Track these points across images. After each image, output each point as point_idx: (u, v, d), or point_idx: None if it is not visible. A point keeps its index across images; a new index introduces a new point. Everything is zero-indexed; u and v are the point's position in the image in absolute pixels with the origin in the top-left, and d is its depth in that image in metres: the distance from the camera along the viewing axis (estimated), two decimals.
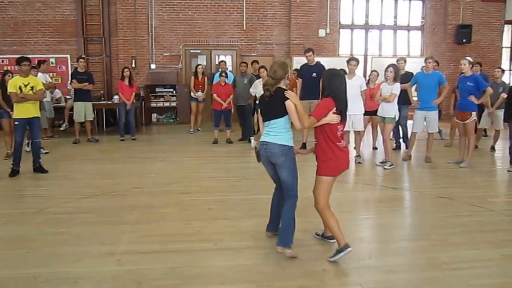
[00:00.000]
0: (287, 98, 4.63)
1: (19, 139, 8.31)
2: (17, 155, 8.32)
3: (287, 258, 4.68)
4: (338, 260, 4.59)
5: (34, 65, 10.68)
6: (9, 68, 8.47)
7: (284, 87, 4.79)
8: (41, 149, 10.48)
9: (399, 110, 9.81)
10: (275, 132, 4.79)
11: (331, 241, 5.05)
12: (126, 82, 12.31)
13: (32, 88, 8.33)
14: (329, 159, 4.70)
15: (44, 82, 11.96)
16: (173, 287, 4.12)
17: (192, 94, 13.83)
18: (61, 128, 13.59)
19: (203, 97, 13.73)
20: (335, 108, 4.61)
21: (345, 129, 9.37)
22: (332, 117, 4.60)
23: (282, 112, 4.71)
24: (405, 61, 10.47)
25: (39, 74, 12.17)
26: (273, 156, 4.80)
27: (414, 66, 12.46)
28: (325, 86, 4.76)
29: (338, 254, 4.61)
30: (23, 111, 8.28)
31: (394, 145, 10.91)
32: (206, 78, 13.89)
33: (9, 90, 8.27)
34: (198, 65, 13.99)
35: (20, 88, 8.21)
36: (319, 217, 4.91)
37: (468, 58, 9.09)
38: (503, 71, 10.99)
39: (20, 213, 6.19)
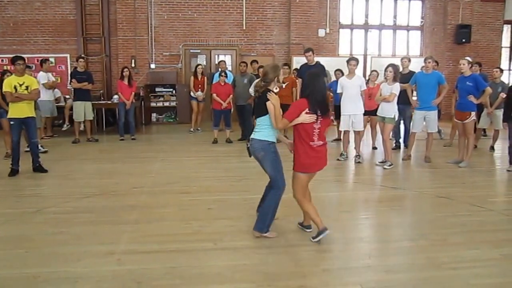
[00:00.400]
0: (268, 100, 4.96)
1: (16, 139, 8.32)
2: (16, 155, 8.33)
3: (287, 257, 4.70)
4: (319, 241, 4.99)
5: (29, 65, 10.67)
6: (9, 67, 8.45)
7: (273, 89, 5.12)
8: (41, 147, 10.54)
9: (403, 110, 9.84)
10: (259, 129, 5.16)
11: (308, 230, 5.42)
12: (126, 81, 12.31)
13: (27, 87, 8.33)
14: (299, 156, 5.03)
15: (46, 81, 12.04)
16: (173, 287, 4.11)
17: (192, 94, 13.84)
18: (63, 128, 13.58)
19: (202, 97, 13.74)
20: (307, 109, 4.88)
21: (344, 129, 9.49)
22: (304, 117, 4.88)
23: (265, 111, 5.04)
24: (409, 60, 10.49)
25: (41, 73, 12.21)
26: (255, 151, 5.19)
27: (413, 66, 12.44)
28: (305, 86, 5.08)
29: (318, 236, 5.00)
30: (18, 110, 8.28)
31: (394, 145, 10.91)
32: (205, 78, 13.89)
33: (4, 89, 8.28)
34: (198, 65, 14.00)
35: (15, 87, 8.22)
36: (319, 216, 4.98)
37: (467, 58, 9.10)
38: (501, 71, 10.98)
39: (19, 212, 6.19)
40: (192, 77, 13.83)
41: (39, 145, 10.51)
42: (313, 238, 5.06)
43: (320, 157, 5.06)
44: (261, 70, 10.88)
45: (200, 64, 14.14)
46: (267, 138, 5.12)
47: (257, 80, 11.05)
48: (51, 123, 12.99)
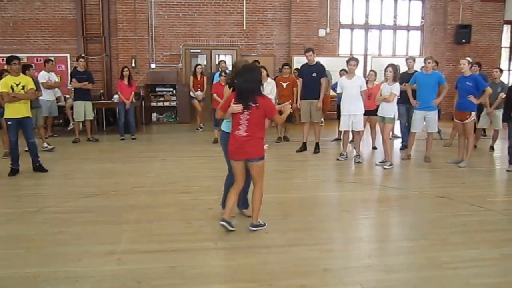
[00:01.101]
0: None
1: (14, 139, 8.32)
2: (15, 154, 8.33)
3: (287, 257, 4.70)
4: (222, 225, 5.29)
5: (30, 64, 10.72)
6: (8, 67, 8.48)
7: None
8: (47, 145, 10.56)
9: (409, 110, 9.85)
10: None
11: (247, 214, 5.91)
12: (125, 81, 12.33)
13: (23, 87, 8.33)
14: (228, 142, 5.41)
15: (45, 81, 12.04)
16: (173, 286, 4.11)
17: (191, 93, 13.87)
18: (69, 128, 13.62)
19: (202, 97, 13.76)
20: (234, 99, 5.20)
21: (344, 129, 9.52)
22: (232, 107, 5.18)
23: None
24: (414, 60, 10.49)
25: (42, 72, 12.22)
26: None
27: (414, 66, 12.48)
28: (235, 77, 5.46)
29: (222, 222, 5.32)
30: (15, 110, 8.28)
31: (401, 144, 10.95)
32: (205, 77, 13.91)
33: (1, 89, 8.23)
34: (198, 64, 14.04)
35: (11, 87, 8.22)
36: (318, 216, 4.96)
37: (468, 58, 9.11)
38: (501, 71, 10.99)
39: (20, 212, 6.19)
40: (191, 77, 13.87)
41: (45, 144, 10.60)
42: (220, 221, 5.34)
43: (241, 147, 5.23)
44: (261, 70, 10.98)
45: (200, 64, 14.18)
46: (223, 129, 5.73)
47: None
48: (52, 123, 12.99)
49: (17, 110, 8.28)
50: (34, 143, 8.66)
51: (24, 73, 8.96)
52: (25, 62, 12.96)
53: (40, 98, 10.64)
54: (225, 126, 5.65)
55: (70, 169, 8.91)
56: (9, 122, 8.33)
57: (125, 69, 12.42)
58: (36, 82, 10.72)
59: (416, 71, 10.16)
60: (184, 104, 15.48)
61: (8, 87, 8.19)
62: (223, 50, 16.48)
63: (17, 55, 8.89)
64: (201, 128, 14.00)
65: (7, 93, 8.18)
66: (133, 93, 12.55)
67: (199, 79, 13.70)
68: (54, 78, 12.68)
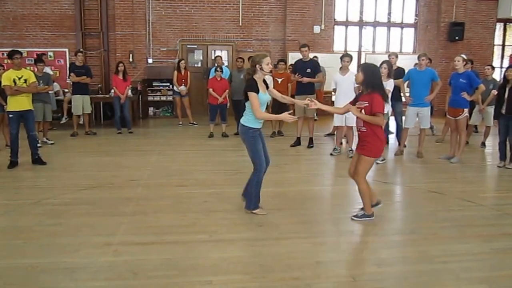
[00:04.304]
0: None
1: (14, 131, 8.35)
2: (14, 147, 8.37)
3: (281, 250, 4.78)
4: None
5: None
6: (8, 61, 8.54)
7: (260, 76, 5.63)
8: (46, 140, 10.60)
9: (395, 106, 9.91)
10: (244, 114, 5.73)
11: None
12: (120, 76, 12.41)
13: (25, 80, 8.37)
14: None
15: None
16: (169, 277, 4.15)
17: (175, 88, 13.90)
18: (61, 122, 13.66)
19: (185, 91, 13.75)
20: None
21: (338, 124, 9.59)
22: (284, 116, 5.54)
23: (246, 96, 5.57)
24: (396, 56, 10.54)
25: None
26: (239, 134, 5.87)
27: (406, 62, 12.55)
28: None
29: None
30: (17, 104, 8.32)
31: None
32: (188, 72, 13.94)
33: (3, 83, 8.30)
34: (181, 59, 14.02)
35: (14, 81, 8.25)
36: (311, 209, 5.03)
37: (463, 55, 9.20)
38: (493, 68, 11.09)
39: (18, 204, 6.24)
40: (175, 72, 13.86)
41: (45, 138, 10.64)
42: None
43: None
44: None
45: (183, 59, 14.17)
46: (247, 124, 5.63)
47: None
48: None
49: (19, 103, 8.32)
50: (34, 136, 8.71)
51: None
52: (25, 56, 13.01)
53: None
54: (251, 121, 5.64)
55: (68, 162, 8.95)
56: (10, 115, 8.36)
57: (120, 64, 12.51)
58: (47, 76, 10.80)
59: (398, 67, 10.22)
60: None
61: (11, 80, 8.23)
62: (219, 46, 16.49)
63: (17, 49, 8.94)
64: (194, 124, 14.02)
65: (10, 86, 8.22)
66: (128, 87, 12.60)
67: (183, 73, 13.69)
68: (50, 72, 12.70)
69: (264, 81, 5.73)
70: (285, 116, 5.45)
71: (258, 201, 5.85)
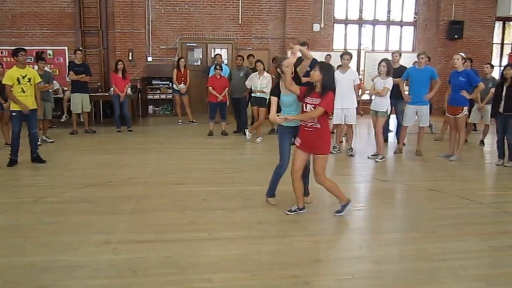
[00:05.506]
0: None
1: (16, 130, 8.31)
2: (15, 146, 8.34)
3: (280, 247, 4.79)
4: None
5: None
6: (8, 59, 8.49)
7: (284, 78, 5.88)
8: (46, 138, 10.60)
9: (396, 105, 9.92)
10: None
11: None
12: (120, 74, 12.39)
13: (29, 80, 8.32)
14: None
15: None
16: (168, 275, 4.16)
17: (174, 86, 13.90)
18: (62, 120, 13.67)
19: (185, 90, 13.75)
20: None
21: (337, 122, 9.59)
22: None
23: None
24: (400, 55, 10.54)
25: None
26: None
27: (406, 61, 12.51)
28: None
29: None
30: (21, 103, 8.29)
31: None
32: (188, 70, 13.93)
33: (5, 82, 8.21)
34: (181, 58, 13.99)
35: (18, 79, 8.19)
36: (310, 207, 5.04)
37: (462, 53, 9.21)
38: (492, 66, 11.09)
39: (18, 202, 6.25)
40: (175, 70, 13.86)
41: (45, 137, 10.64)
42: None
43: None
44: (258, 64, 11.18)
45: (183, 57, 14.15)
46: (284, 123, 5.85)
47: (254, 74, 11.32)
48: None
49: (24, 103, 8.27)
50: (35, 134, 8.70)
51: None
52: None
53: None
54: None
55: (68, 160, 8.94)
56: (13, 114, 8.31)
57: (120, 63, 12.48)
58: (48, 74, 10.80)
59: (401, 65, 10.23)
60: None
61: (14, 79, 8.16)
62: (219, 44, 16.46)
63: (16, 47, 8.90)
64: (193, 122, 14.02)
65: (11, 88, 8.17)
66: (127, 86, 12.60)
67: (182, 72, 13.67)
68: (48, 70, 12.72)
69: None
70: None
71: (272, 190, 6.17)
